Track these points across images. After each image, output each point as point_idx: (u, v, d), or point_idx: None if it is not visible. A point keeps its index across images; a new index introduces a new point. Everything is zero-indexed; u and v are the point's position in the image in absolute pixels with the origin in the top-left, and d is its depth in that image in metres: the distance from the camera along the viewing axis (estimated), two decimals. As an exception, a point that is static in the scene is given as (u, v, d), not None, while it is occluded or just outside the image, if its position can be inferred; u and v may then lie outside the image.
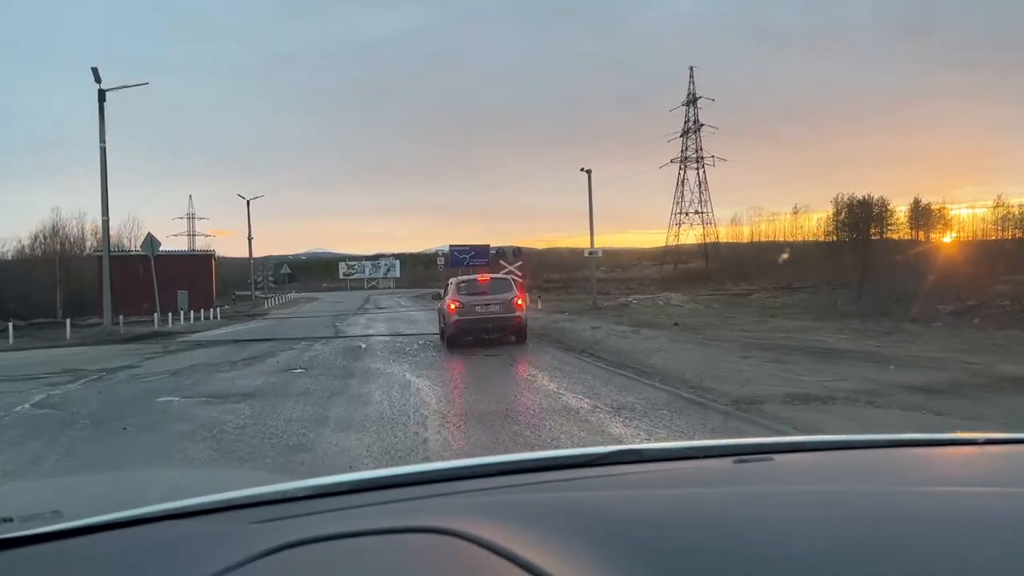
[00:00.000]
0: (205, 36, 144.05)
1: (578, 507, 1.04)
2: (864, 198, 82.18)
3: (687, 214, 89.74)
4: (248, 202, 53.02)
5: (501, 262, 29.60)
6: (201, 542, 0.97)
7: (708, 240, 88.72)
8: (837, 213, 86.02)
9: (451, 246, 62.54)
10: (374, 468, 2.78)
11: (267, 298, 48.88)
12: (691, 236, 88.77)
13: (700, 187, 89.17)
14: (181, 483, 2.25)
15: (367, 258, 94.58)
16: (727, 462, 1.28)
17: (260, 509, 1.09)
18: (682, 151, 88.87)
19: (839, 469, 1.31)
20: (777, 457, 1.30)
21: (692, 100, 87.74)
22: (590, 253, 25.10)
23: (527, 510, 1.01)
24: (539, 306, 26.24)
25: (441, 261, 58.64)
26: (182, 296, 44.99)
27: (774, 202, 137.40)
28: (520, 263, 29.14)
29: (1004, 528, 0.88)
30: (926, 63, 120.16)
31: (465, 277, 17.66)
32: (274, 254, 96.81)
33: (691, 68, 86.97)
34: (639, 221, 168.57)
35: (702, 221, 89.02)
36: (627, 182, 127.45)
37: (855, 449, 1.47)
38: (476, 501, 1.11)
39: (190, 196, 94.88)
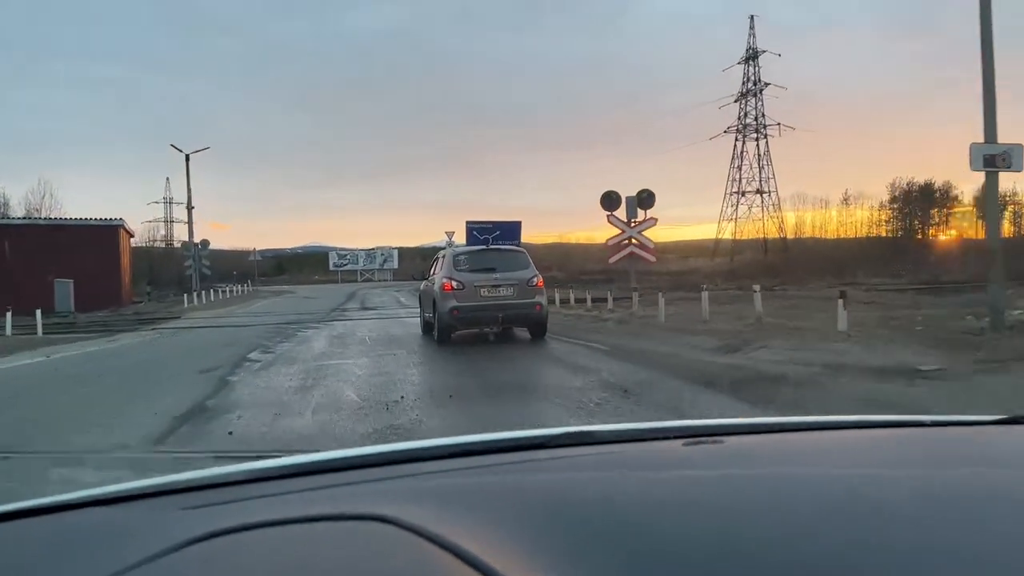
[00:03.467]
0: (199, 30, 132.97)
1: (525, 490, 1.02)
2: (925, 183, 70.16)
3: (743, 194, 74.44)
4: (187, 156, 37.80)
5: (611, 218, 14.50)
6: (125, 529, 0.91)
7: (771, 224, 73.64)
8: (893, 200, 73.05)
9: (469, 223, 47.31)
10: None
11: (198, 291, 32.79)
12: (745, 226, 73.59)
13: (761, 161, 73.83)
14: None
15: (362, 249, 78.25)
16: (677, 444, 1.25)
17: (192, 495, 1.03)
18: (739, 118, 73.31)
19: (787, 451, 1.29)
20: (727, 439, 1.28)
21: (752, 56, 72.31)
22: (1003, 161, 9.19)
23: (471, 494, 0.98)
24: (758, 321, 10.81)
25: (452, 243, 43.31)
26: (61, 288, 29.53)
27: (819, 190, 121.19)
28: (653, 221, 14.08)
29: (947, 507, 0.88)
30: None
31: (464, 249, 12.87)
32: (271, 247, 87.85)
33: (751, 17, 71.69)
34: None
35: (762, 203, 73.58)
36: (626, 177, 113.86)
37: (802, 431, 1.44)
38: (418, 485, 1.06)
39: (167, 179, 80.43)
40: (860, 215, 72.60)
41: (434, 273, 11.92)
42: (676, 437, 1.28)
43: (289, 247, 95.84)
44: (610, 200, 14.82)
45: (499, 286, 10.90)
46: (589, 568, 0.71)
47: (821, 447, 1.32)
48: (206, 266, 34.38)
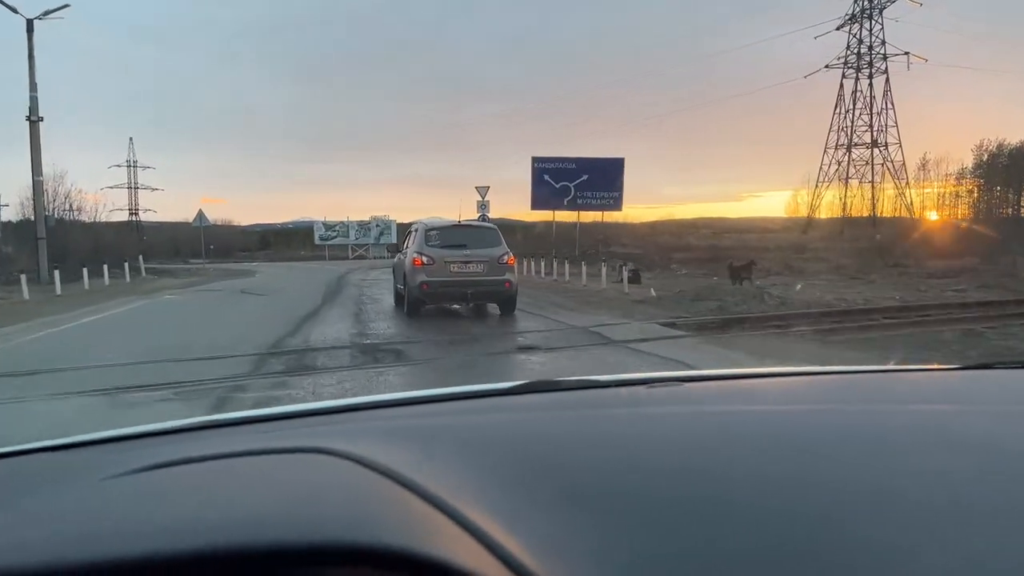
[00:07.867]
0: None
1: (482, 428, 1.03)
2: (1021, 144, 52.94)
3: (850, 148, 56.88)
4: (30, 23, 20.53)
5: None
6: (75, 468, 0.94)
7: (883, 188, 56.37)
8: (978, 166, 55.80)
9: (536, 160, 29.90)
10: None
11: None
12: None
13: (873, 104, 56.01)
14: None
15: (354, 220, 60.18)
16: (640, 388, 1.31)
17: (142, 441, 1.06)
18: (851, 47, 55.62)
19: (738, 393, 1.37)
20: (685, 384, 1.35)
21: (868, -36, 54.67)
22: None
23: (418, 433, 1.00)
24: None
25: (485, 205, 25.77)
26: None
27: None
28: None
29: (894, 440, 0.91)
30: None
31: (438, 223, 12.37)
32: (260, 222, 77.80)
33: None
34: (650, 194, 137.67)
35: (872, 159, 56.10)
36: (632, 161, 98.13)
37: (755, 379, 1.54)
38: (367, 427, 1.07)
39: (131, 139, 65.02)
40: (934, 188, 56.09)
41: (407, 247, 11.89)
42: (639, 384, 1.32)
43: (280, 222, 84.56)
44: None
45: (469, 262, 11.09)
46: (522, 492, 0.71)
47: (780, 389, 1.38)
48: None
